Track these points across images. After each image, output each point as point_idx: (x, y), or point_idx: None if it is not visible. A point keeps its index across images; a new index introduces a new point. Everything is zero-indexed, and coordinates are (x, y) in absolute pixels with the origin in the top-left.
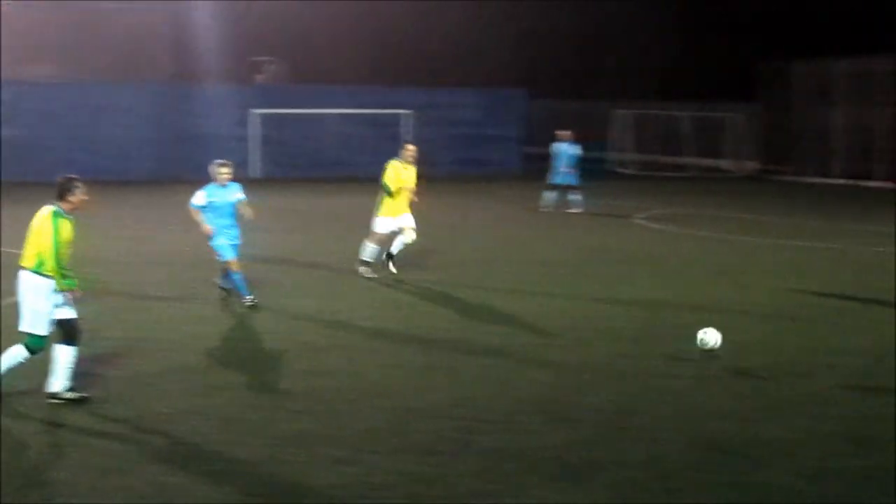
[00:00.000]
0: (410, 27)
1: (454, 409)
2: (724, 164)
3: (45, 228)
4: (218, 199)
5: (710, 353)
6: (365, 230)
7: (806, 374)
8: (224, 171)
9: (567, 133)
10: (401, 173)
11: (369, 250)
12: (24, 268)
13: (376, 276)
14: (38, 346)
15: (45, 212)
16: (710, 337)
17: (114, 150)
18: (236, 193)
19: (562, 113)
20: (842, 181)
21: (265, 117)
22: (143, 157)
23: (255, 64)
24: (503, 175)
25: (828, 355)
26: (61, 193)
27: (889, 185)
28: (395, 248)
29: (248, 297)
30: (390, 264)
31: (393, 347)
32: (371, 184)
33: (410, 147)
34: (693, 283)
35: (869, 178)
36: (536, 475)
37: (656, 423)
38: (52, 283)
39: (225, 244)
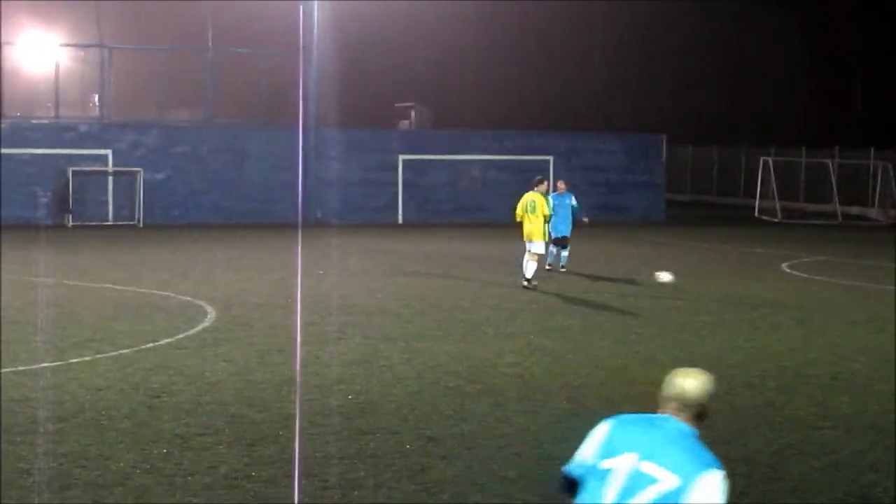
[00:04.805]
0: (552, 73)
1: None
2: (871, 211)
3: None
4: None
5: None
6: (505, 276)
7: None
8: None
9: (562, 184)
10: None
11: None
12: None
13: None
14: None
15: None
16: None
17: (258, 193)
18: None
19: (702, 159)
20: None
21: (408, 162)
22: (288, 201)
23: (400, 109)
24: (647, 222)
25: None
26: None
27: None
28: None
29: None
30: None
31: (537, 394)
32: (512, 230)
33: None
34: (842, 332)
35: None
36: None
37: (808, 475)
38: None
39: None
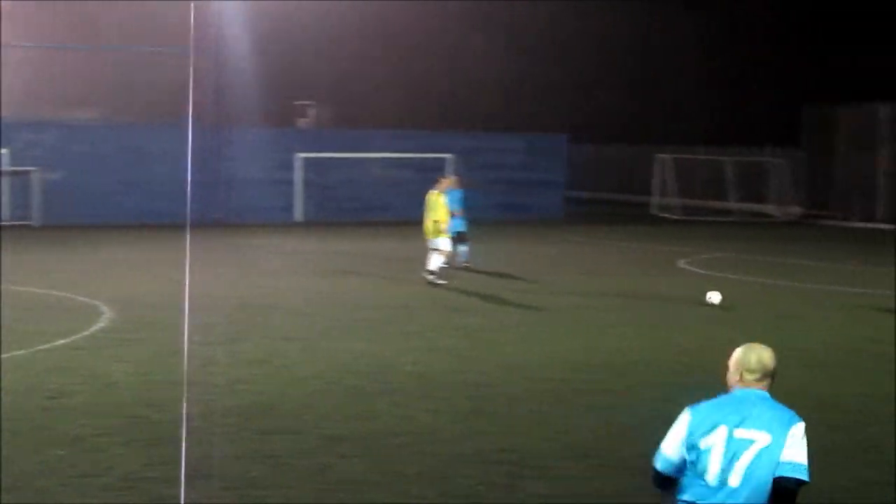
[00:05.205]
0: (453, 72)
1: (500, 455)
2: (768, 208)
3: None
4: None
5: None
6: (407, 274)
7: (858, 421)
8: None
9: (454, 179)
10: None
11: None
12: None
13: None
14: None
15: None
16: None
17: (158, 193)
18: None
19: (602, 157)
20: (886, 226)
21: (308, 161)
22: (191, 201)
23: (298, 108)
24: (546, 220)
25: (881, 402)
26: None
27: None
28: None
29: None
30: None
31: (440, 392)
32: (413, 227)
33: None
34: (739, 328)
35: None
36: None
37: None
38: None
39: None
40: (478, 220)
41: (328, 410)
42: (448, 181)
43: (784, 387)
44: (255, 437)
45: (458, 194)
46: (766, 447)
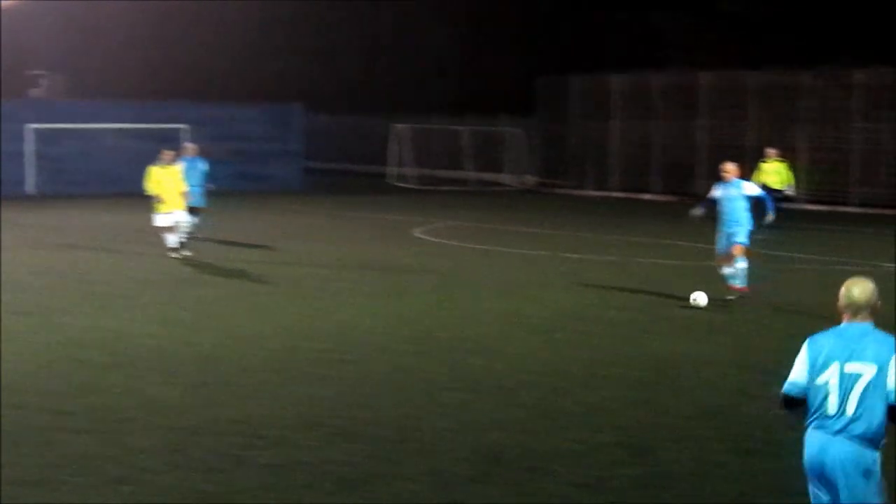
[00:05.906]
0: (186, 42)
1: (232, 426)
2: (504, 178)
3: None
4: None
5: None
6: (141, 246)
7: (584, 385)
8: None
9: (192, 147)
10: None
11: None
12: None
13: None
14: None
15: None
16: (700, 298)
17: None
18: None
19: (339, 127)
20: (619, 194)
21: (40, 132)
22: None
23: (30, 78)
24: (284, 191)
25: (606, 366)
26: None
27: (664, 197)
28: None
29: None
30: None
31: (170, 364)
32: (147, 200)
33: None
34: (472, 295)
35: (645, 191)
36: (315, 490)
37: (436, 436)
38: None
39: None
40: (216, 190)
41: (56, 385)
42: (180, 152)
43: (508, 353)
44: None
45: (196, 164)
46: (874, 378)
